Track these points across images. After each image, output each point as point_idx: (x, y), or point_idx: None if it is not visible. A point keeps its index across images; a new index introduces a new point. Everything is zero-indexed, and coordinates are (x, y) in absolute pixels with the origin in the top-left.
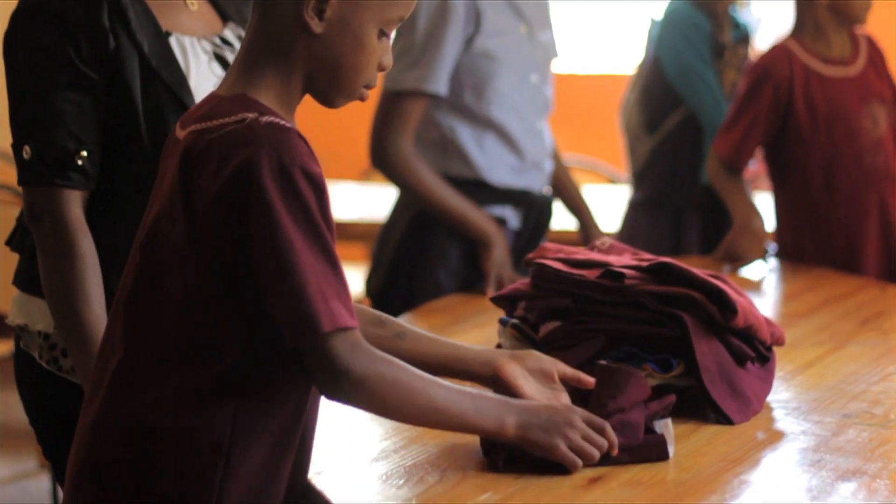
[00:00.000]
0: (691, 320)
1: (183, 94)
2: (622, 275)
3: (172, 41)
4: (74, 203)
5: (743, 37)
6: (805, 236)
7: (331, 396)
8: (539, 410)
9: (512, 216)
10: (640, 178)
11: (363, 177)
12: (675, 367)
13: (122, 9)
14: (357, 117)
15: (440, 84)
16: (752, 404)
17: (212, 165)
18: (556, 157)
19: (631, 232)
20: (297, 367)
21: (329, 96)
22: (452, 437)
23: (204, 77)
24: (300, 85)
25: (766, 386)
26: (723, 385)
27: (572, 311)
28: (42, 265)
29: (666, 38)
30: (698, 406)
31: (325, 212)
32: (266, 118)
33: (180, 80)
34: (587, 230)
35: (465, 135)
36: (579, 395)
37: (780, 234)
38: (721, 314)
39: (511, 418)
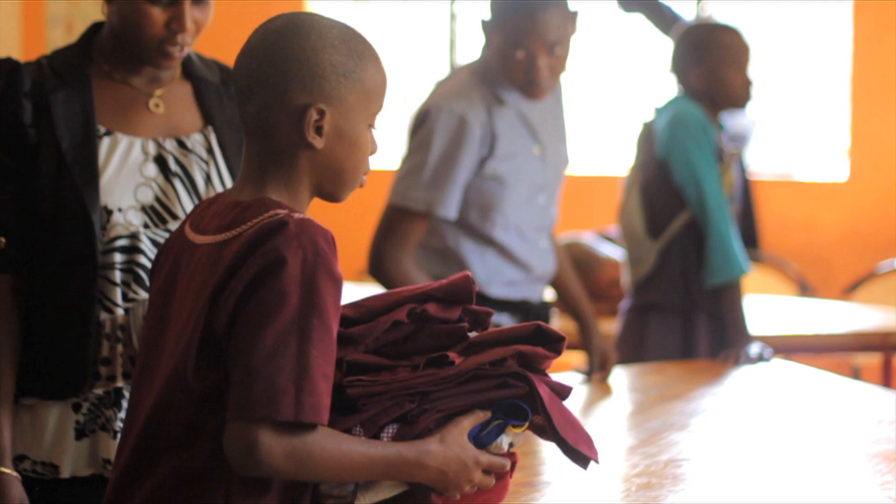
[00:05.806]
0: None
1: (86, 193)
2: (446, 358)
3: (106, 140)
4: None
5: (727, 137)
6: None
7: (240, 471)
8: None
9: (508, 322)
10: (647, 283)
11: (359, 277)
12: (531, 416)
13: (47, 106)
14: (355, 220)
15: (450, 209)
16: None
17: (243, 256)
18: (561, 259)
19: (638, 337)
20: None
21: (336, 195)
22: None
23: (127, 177)
24: (309, 191)
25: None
26: (569, 427)
27: (413, 412)
28: None
29: (676, 140)
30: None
31: (336, 310)
32: (297, 215)
33: (89, 178)
34: (587, 333)
35: (468, 248)
36: None
37: None
38: (552, 346)
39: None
